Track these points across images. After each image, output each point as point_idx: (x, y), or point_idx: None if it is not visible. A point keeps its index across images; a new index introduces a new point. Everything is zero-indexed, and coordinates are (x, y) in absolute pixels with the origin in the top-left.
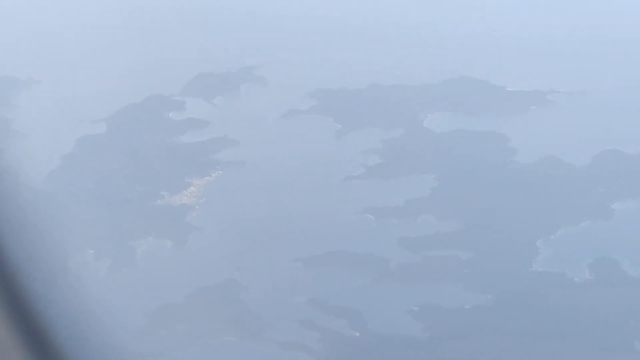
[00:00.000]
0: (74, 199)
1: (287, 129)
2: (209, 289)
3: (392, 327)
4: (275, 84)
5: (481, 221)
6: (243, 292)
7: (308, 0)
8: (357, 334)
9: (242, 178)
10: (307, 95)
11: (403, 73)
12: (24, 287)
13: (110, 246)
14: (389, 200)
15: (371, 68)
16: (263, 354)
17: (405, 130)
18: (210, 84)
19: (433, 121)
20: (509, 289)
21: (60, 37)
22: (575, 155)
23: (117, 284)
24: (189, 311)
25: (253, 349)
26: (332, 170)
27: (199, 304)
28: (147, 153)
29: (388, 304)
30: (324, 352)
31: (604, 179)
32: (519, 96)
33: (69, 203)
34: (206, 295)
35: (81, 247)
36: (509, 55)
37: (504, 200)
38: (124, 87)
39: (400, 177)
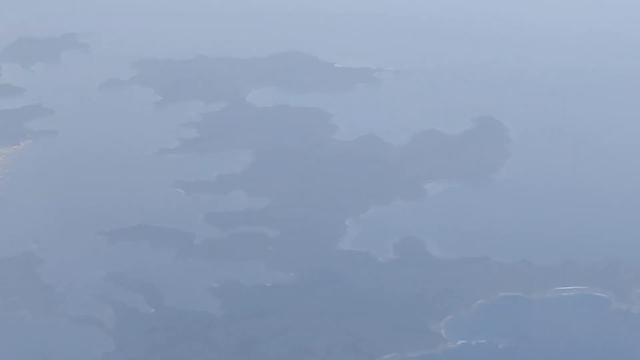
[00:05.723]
0: None
1: (106, 99)
2: (3, 261)
3: (190, 304)
4: (98, 52)
5: (293, 198)
6: (39, 265)
7: None
8: (152, 310)
9: (52, 149)
10: (130, 64)
11: (232, 46)
12: None
13: None
14: (201, 175)
15: (199, 39)
16: (54, 328)
17: (227, 104)
18: (30, 50)
19: (256, 96)
20: (312, 267)
21: None
22: (395, 134)
23: None
24: None
25: (44, 324)
26: (147, 143)
27: None
28: None
29: (188, 280)
30: (116, 328)
31: (421, 159)
32: (346, 73)
33: None
34: (0, 268)
35: None
36: (342, 31)
37: (319, 177)
38: None
39: (216, 152)
